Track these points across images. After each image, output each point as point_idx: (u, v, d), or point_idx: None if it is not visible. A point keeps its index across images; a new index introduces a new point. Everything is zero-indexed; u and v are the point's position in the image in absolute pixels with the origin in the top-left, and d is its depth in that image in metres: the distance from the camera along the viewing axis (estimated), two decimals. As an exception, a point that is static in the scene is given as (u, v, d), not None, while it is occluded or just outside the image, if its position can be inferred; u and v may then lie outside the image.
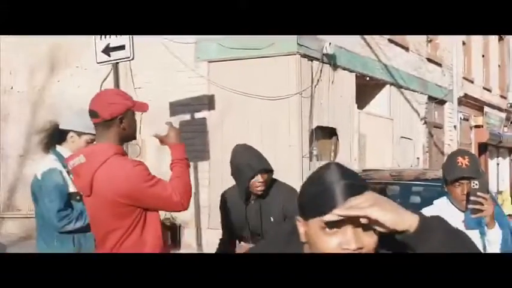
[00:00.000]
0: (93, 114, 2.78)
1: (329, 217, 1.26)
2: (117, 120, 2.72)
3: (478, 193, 2.37)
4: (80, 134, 3.50)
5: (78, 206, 3.41)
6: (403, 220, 1.27)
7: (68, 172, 3.43)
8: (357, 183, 1.30)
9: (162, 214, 3.23)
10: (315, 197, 1.30)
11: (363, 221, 1.26)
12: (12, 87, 10.03)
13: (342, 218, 1.26)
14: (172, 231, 3.10)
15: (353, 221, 1.27)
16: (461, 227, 2.47)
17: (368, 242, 1.29)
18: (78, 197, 3.44)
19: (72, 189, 3.42)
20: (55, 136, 3.52)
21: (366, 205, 1.25)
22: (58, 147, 3.51)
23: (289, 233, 1.46)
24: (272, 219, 3.17)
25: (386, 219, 1.25)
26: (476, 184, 2.41)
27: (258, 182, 3.16)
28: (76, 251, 3.40)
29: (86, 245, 3.43)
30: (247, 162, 3.16)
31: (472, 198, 2.40)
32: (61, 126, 3.51)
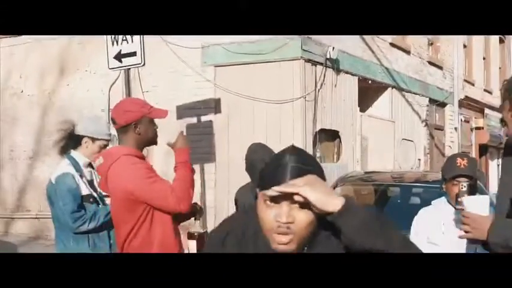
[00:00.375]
0: (112, 121, 3.05)
1: (269, 192, 1.47)
2: (131, 126, 2.96)
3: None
4: (93, 139, 3.69)
5: (92, 207, 3.61)
6: (330, 202, 1.45)
7: (80, 176, 3.65)
8: (304, 168, 1.50)
9: (193, 226, 3.45)
10: (267, 174, 1.53)
11: (297, 198, 1.45)
12: (22, 91, 10.21)
13: (279, 193, 1.46)
14: (199, 242, 3.28)
15: (290, 198, 1.47)
16: (455, 225, 2.68)
17: (300, 218, 1.48)
18: (91, 199, 3.64)
19: (85, 192, 3.62)
20: (70, 141, 3.70)
21: (300, 184, 1.45)
22: (72, 152, 3.69)
23: (250, 206, 1.69)
24: None
25: (314, 199, 1.44)
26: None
27: None
28: (91, 251, 3.57)
29: (100, 245, 3.62)
30: (261, 157, 3.44)
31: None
32: (76, 132, 3.69)
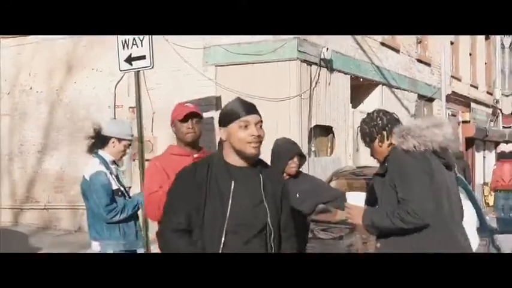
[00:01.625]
0: None
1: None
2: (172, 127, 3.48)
3: None
4: (119, 140, 4.20)
5: (121, 200, 4.13)
6: None
7: (110, 173, 4.15)
8: (252, 107, 2.41)
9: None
10: (231, 109, 2.40)
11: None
12: (31, 88, 10.58)
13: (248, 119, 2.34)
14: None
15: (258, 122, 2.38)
16: None
17: (262, 133, 2.40)
18: (119, 193, 4.16)
19: (115, 187, 4.13)
20: (98, 141, 4.20)
21: None
22: (100, 152, 4.18)
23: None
24: (298, 195, 3.83)
25: None
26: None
27: (293, 163, 3.90)
28: (122, 238, 4.09)
29: (129, 232, 4.14)
30: (286, 147, 3.92)
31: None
32: (103, 133, 4.20)
